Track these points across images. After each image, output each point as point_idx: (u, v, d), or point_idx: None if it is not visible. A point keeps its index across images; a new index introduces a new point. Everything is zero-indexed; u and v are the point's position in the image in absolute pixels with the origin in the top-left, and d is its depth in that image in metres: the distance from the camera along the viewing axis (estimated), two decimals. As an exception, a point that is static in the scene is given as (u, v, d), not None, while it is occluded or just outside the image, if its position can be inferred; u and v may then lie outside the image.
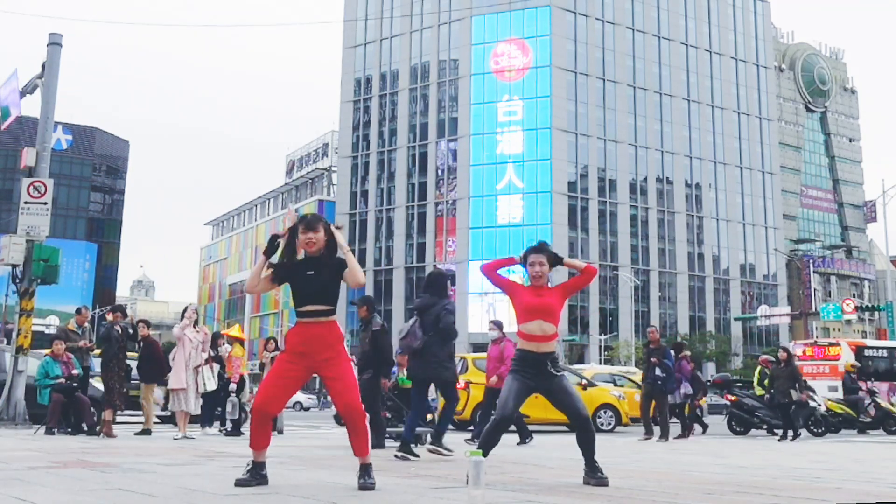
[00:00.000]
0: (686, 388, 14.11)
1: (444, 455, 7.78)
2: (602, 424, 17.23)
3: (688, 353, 15.27)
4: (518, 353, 5.42)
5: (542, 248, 5.53)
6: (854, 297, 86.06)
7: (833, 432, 17.35)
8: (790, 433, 14.40)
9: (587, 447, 5.37)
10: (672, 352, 14.01)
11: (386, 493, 4.70)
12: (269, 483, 4.97)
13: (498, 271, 5.61)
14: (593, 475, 5.31)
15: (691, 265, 74.03)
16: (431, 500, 4.45)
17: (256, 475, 4.92)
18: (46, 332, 45.29)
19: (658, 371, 13.11)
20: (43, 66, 14.68)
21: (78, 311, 12.98)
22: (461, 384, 16.14)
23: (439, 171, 71.19)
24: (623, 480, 5.88)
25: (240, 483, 4.87)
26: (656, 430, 13.21)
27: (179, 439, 10.38)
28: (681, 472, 6.80)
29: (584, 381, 17.88)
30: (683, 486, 5.59)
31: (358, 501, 4.38)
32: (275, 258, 4.99)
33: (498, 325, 12.08)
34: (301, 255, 4.98)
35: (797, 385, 14.66)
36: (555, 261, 5.55)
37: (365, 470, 4.91)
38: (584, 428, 5.40)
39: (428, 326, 7.96)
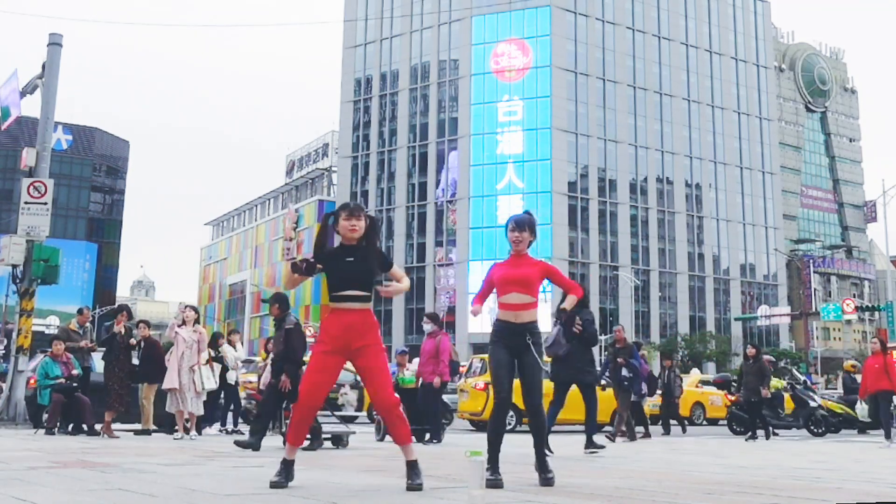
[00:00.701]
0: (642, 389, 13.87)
1: (598, 452, 8.89)
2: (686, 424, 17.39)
3: (644, 353, 15.20)
4: (496, 324, 5.38)
5: (522, 219, 5.47)
6: (854, 297, 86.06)
7: (833, 432, 17.35)
8: (761, 432, 14.21)
9: (537, 436, 5.34)
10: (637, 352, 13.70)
11: (386, 493, 4.70)
12: (294, 479, 5.01)
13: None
14: (542, 471, 5.25)
15: (691, 265, 74.04)
16: (431, 500, 4.45)
17: (288, 474, 4.96)
18: (46, 332, 45.27)
19: (625, 371, 12.82)
20: (43, 66, 14.68)
21: (80, 312, 12.99)
22: (481, 385, 16.09)
23: (439, 171, 71.22)
24: (623, 480, 5.88)
25: (274, 485, 4.89)
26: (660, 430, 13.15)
27: (179, 439, 10.38)
28: (681, 472, 6.80)
29: (602, 382, 17.95)
30: (683, 486, 5.59)
31: (358, 501, 4.38)
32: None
33: (433, 317, 11.75)
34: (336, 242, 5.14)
35: (765, 382, 14.44)
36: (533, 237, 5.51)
37: (412, 468, 4.90)
38: (533, 414, 5.39)
39: (570, 335, 8.51)
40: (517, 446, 10.11)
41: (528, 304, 5.28)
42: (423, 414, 11.33)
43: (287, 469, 4.96)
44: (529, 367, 5.26)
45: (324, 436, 9.20)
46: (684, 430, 16.76)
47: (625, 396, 12.94)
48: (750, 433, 14.16)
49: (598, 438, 10.03)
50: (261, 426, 8.86)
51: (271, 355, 13.34)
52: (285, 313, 9.07)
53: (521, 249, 5.41)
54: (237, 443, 8.78)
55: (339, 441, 9.16)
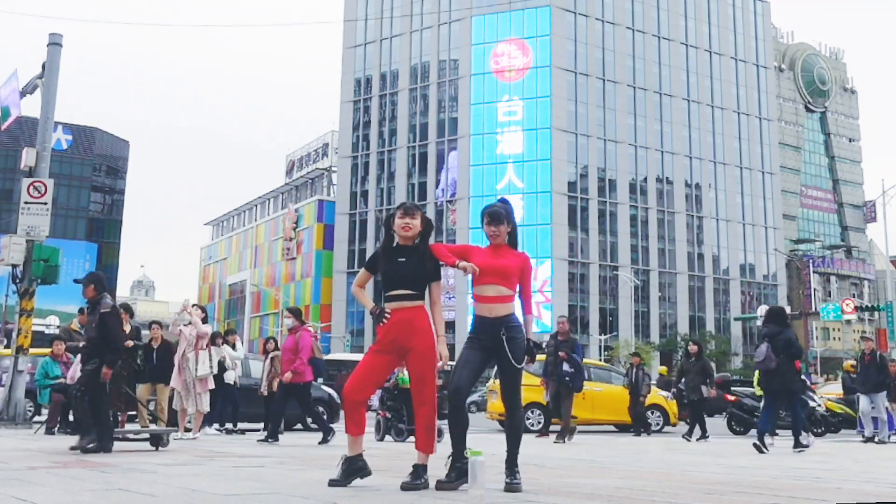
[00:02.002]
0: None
1: (804, 450, 9.96)
2: (651, 425, 17.29)
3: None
4: (474, 320, 5.16)
5: (498, 212, 5.20)
6: (854, 297, 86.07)
7: (833, 432, 17.36)
8: (697, 432, 13.37)
9: (511, 437, 5.09)
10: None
11: (386, 493, 4.70)
12: (371, 472, 5.01)
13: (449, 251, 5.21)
14: (510, 475, 4.95)
15: (691, 265, 74.03)
16: (431, 500, 4.45)
17: (351, 471, 4.94)
18: (46, 332, 45.26)
19: (566, 366, 12.13)
20: (43, 66, 14.66)
21: (81, 312, 12.98)
22: None
23: (439, 171, 71.23)
24: (623, 480, 5.88)
25: (333, 483, 4.89)
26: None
27: (179, 439, 10.37)
28: (681, 472, 6.79)
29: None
30: (683, 486, 5.59)
31: (358, 501, 4.38)
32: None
33: (294, 312, 11.01)
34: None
35: (708, 381, 13.76)
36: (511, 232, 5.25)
37: (416, 470, 4.92)
38: (509, 412, 5.16)
39: (778, 349, 10.07)
40: (525, 445, 10.07)
41: (504, 297, 5.04)
42: (281, 414, 10.88)
43: (350, 463, 4.95)
44: (505, 364, 5.03)
45: (139, 436, 8.74)
46: (647, 433, 15.91)
47: (567, 392, 12.35)
48: (687, 433, 13.44)
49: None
50: (87, 424, 7.99)
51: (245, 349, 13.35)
52: (101, 295, 8.22)
53: (499, 243, 5.18)
54: (82, 449, 7.76)
55: (158, 441, 8.62)
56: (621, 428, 17.91)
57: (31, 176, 14.03)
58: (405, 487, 4.83)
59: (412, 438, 11.24)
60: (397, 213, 5.12)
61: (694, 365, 13.94)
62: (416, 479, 4.87)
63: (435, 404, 5.06)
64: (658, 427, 17.30)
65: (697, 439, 13.04)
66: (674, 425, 17.73)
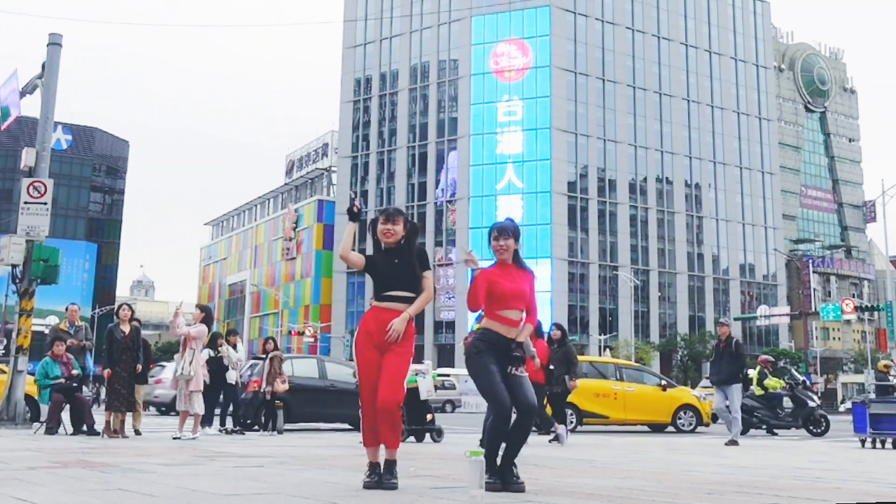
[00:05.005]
0: None
1: None
2: (683, 425, 17.19)
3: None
4: (485, 333, 5.07)
5: (506, 226, 5.19)
6: (854, 297, 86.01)
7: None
8: (560, 431, 10.94)
9: (515, 438, 4.94)
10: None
11: (386, 493, 4.70)
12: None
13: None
14: (510, 477, 4.88)
15: (691, 265, 74.05)
16: (431, 500, 4.45)
17: (380, 476, 4.95)
18: (46, 332, 45.17)
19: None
20: (43, 66, 14.65)
21: (66, 310, 13.01)
22: None
23: (439, 171, 71.23)
24: (623, 480, 5.88)
25: (367, 486, 4.90)
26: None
27: (178, 438, 10.36)
28: (681, 472, 6.79)
29: (663, 382, 17.92)
30: (683, 486, 5.59)
31: (358, 501, 4.38)
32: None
33: None
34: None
35: (571, 371, 11.71)
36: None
37: (388, 468, 4.91)
38: (522, 416, 4.98)
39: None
40: (532, 447, 10.07)
41: (525, 320, 5.08)
42: None
43: (375, 470, 4.96)
44: (511, 374, 4.98)
45: None
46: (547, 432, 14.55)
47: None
48: (553, 434, 10.99)
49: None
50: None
51: (270, 355, 13.37)
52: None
53: (506, 259, 5.14)
54: None
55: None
56: (654, 428, 17.82)
57: (31, 176, 14.01)
58: (368, 485, 4.86)
59: (412, 438, 11.32)
60: (380, 218, 5.14)
61: (556, 352, 11.79)
62: (391, 476, 4.88)
63: (398, 401, 4.91)
64: (690, 428, 17.24)
65: (550, 440, 10.89)
66: (706, 425, 17.66)
